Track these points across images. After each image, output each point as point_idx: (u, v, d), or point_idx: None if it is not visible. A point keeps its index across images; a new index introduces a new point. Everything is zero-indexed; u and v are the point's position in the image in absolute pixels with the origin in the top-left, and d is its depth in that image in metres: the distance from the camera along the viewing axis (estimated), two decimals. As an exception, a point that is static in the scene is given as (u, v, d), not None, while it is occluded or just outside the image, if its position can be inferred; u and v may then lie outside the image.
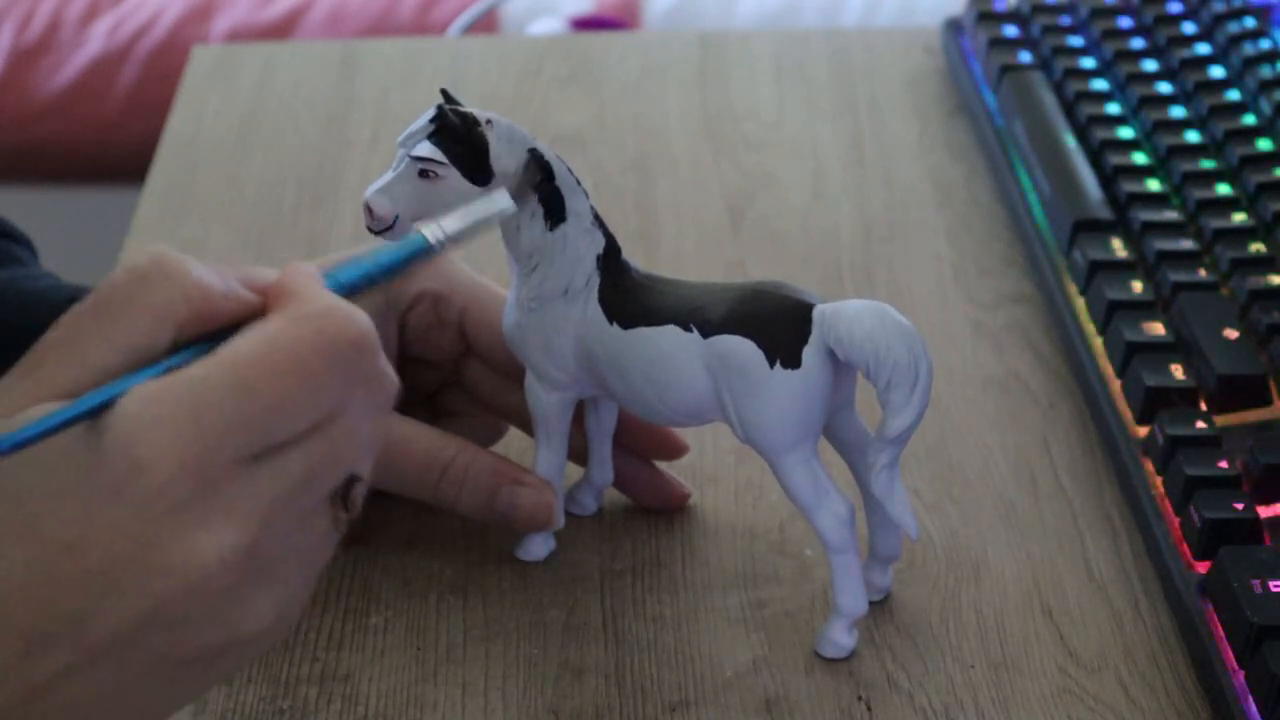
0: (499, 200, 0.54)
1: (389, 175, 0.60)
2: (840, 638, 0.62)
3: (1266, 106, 0.86)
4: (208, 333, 0.47)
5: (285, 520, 0.46)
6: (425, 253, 0.52)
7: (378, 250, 0.52)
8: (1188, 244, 0.78)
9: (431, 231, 0.52)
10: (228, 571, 0.45)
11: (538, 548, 0.67)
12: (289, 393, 0.45)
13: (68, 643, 0.44)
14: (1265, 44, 0.91)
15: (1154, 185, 0.82)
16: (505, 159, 0.60)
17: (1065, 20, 0.97)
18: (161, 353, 0.46)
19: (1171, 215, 0.80)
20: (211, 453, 0.44)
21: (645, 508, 0.69)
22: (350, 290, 0.50)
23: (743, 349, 0.59)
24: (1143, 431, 0.70)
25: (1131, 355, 0.72)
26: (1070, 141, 0.86)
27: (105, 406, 0.44)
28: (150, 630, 0.45)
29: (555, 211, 0.60)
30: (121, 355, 0.46)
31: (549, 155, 0.60)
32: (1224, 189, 0.81)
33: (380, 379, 0.48)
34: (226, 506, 0.45)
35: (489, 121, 0.59)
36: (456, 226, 0.53)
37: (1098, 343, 0.75)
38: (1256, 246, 0.77)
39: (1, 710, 0.45)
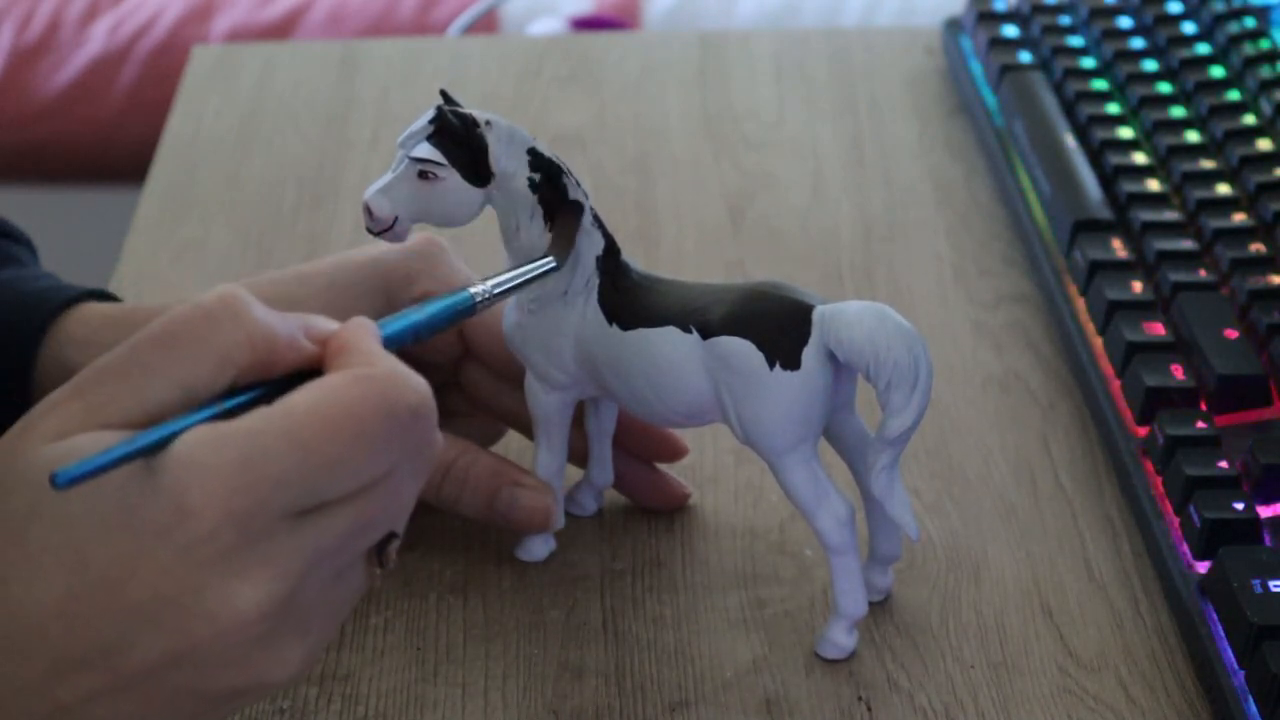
0: (545, 264, 0.59)
1: (388, 176, 0.60)
2: (840, 639, 0.62)
3: (1266, 106, 0.86)
4: (264, 379, 0.47)
5: (322, 575, 0.47)
6: (469, 310, 0.55)
7: (426, 305, 0.53)
8: (1188, 244, 0.78)
9: (477, 290, 0.55)
10: (263, 621, 0.45)
11: (538, 548, 0.67)
12: (344, 455, 0.45)
13: (98, 669, 0.45)
14: (1265, 44, 0.91)
15: (1154, 185, 0.82)
16: (505, 160, 0.60)
17: (1065, 20, 0.97)
18: (218, 395, 0.47)
19: (1171, 215, 0.80)
20: (260, 506, 0.45)
21: (645, 508, 0.69)
22: (398, 344, 0.51)
23: (742, 350, 0.59)
24: (1143, 431, 0.70)
25: (1131, 355, 0.72)
26: (1070, 141, 0.86)
27: (160, 445, 0.45)
28: (180, 668, 0.45)
29: (555, 212, 0.60)
30: (179, 393, 0.46)
31: (549, 155, 0.60)
32: (1224, 189, 0.81)
33: (432, 446, 0.48)
34: (268, 559, 0.45)
35: (488, 122, 0.59)
36: (500, 283, 0.56)
37: (1098, 343, 0.75)
38: (1256, 246, 0.77)
39: None
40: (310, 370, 0.48)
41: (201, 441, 0.45)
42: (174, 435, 0.45)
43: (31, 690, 0.45)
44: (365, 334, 0.48)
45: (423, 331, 0.53)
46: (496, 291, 0.56)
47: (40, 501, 0.44)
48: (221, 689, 0.46)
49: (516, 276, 0.58)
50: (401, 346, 0.51)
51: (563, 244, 0.60)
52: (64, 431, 0.45)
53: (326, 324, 0.49)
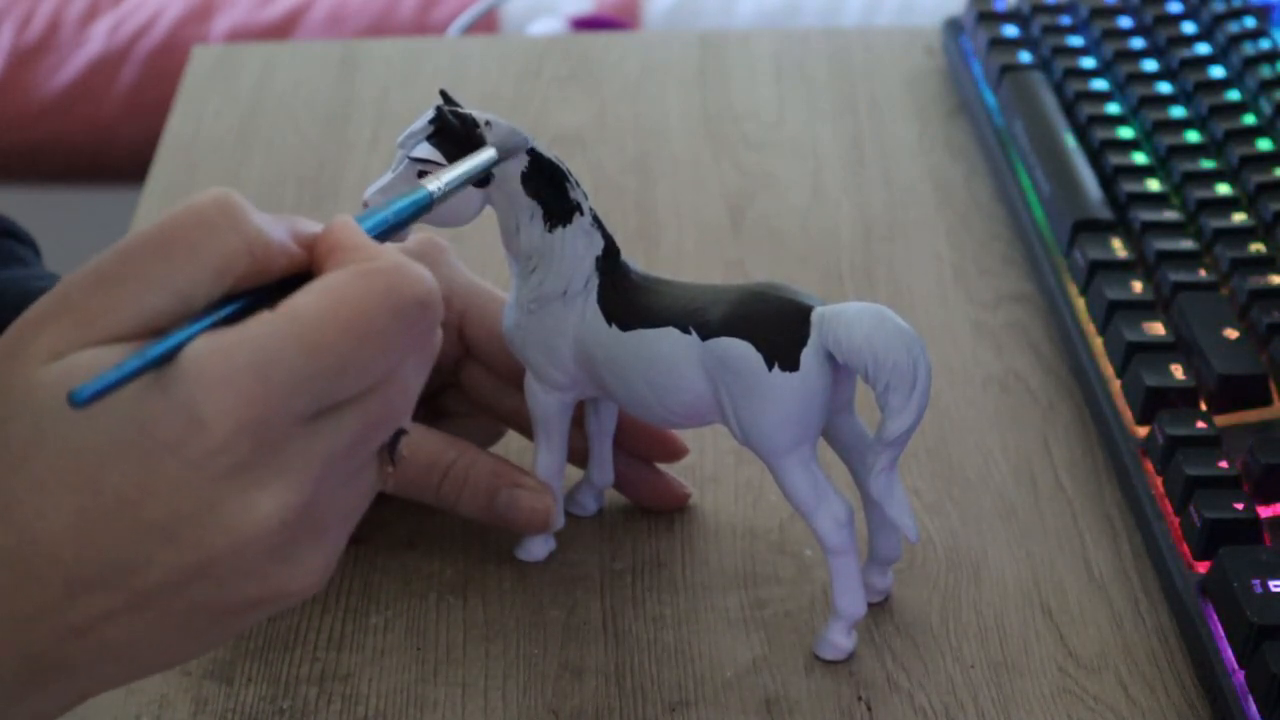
0: (485, 153, 0.58)
1: (388, 176, 0.60)
2: (839, 640, 0.62)
3: (1266, 106, 0.86)
4: (260, 285, 0.46)
5: (336, 478, 0.45)
6: (427, 206, 0.54)
7: (391, 202, 0.52)
8: (1188, 244, 0.78)
9: (432, 184, 0.54)
10: (283, 530, 0.44)
11: (538, 548, 0.67)
12: (356, 353, 0.44)
13: (114, 589, 0.44)
14: (1265, 44, 0.91)
15: (1154, 185, 0.82)
16: (505, 162, 0.60)
17: (1065, 20, 0.97)
18: (215, 302, 0.45)
19: (1171, 215, 0.80)
20: (274, 413, 0.43)
21: (645, 508, 0.69)
22: (377, 238, 0.50)
23: (741, 351, 0.59)
24: (1143, 431, 0.70)
25: (1131, 355, 0.72)
26: (1070, 141, 0.86)
27: (169, 356, 0.43)
28: (198, 582, 0.44)
29: (554, 213, 0.60)
30: (176, 302, 0.44)
31: (549, 156, 0.60)
32: (1224, 189, 0.81)
33: (437, 336, 0.47)
34: (284, 467, 0.44)
35: (488, 123, 0.59)
36: (451, 176, 0.55)
37: (1098, 343, 0.75)
38: (1256, 246, 0.77)
39: (37, 647, 0.45)
40: (300, 273, 0.46)
41: (211, 351, 0.43)
42: (181, 345, 0.43)
43: (45, 613, 0.44)
44: (355, 229, 0.47)
45: (390, 228, 0.52)
46: (448, 187, 0.55)
47: (44, 425, 0.43)
48: (240, 601, 0.45)
49: (463, 170, 0.56)
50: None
51: (507, 141, 0.59)
52: (58, 350, 0.43)
53: (311, 225, 0.48)
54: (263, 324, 0.44)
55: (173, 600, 0.45)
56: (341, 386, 0.44)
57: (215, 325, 0.44)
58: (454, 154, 0.59)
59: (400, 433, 0.48)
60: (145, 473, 0.43)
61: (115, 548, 0.44)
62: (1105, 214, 0.81)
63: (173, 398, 0.43)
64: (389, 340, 0.45)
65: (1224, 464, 0.66)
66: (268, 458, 0.44)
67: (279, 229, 0.46)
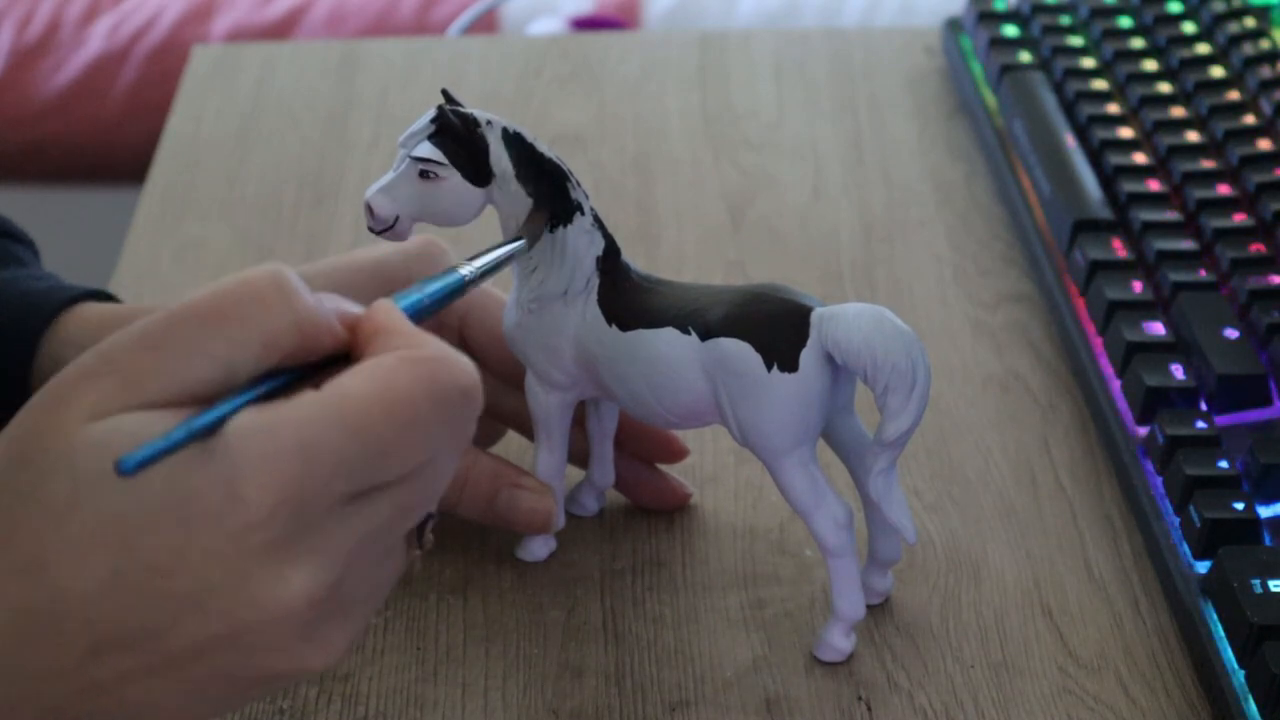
0: (516, 246, 0.59)
1: (390, 175, 0.60)
2: (838, 642, 0.62)
3: (1266, 106, 0.86)
4: (305, 363, 0.46)
5: (367, 559, 0.46)
6: (461, 291, 0.54)
7: (424, 285, 0.52)
8: (1188, 244, 0.78)
9: (466, 269, 0.55)
10: (311, 608, 0.45)
11: (538, 548, 0.67)
12: (399, 439, 0.45)
13: (138, 651, 0.44)
14: (1265, 44, 0.91)
15: (1154, 185, 0.82)
16: (505, 160, 0.60)
17: (1065, 20, 0.97)
18: (259, 376, 0.45)
19: (1171, 215, 0.80)
20: (314, 493, 0.44)
21: (646, 509, 0.69)
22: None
23: (740, 352, 0.59)
24: (1143, 431, 0.70)
25: (1131, 355, 0.72)
26: (1070, 141, 0.86)
27: (214, 428, 0.44)
28: (222, 652, 0.45)
29: (555, 213, 0.60)
30: (221, 372, 0.44)
31: (550, 155, 0.60)
32: (1224, 189, 0.81)
33: (473, 425, 0.47)
34: (318, 547, 0.44)
35: (489, 122, 0.60)
36: (484, 264, 0.56)
37: (1098, 343, 0.75)
38: (1256, 246, 0.77)
39: (56, 701, 0.45)
40: (340, 354, 0.47)
41: (256, 427, 0.43)
42: (226, 418, 0.44)
43: (68, 671, 0.44)
44: (399, 315, 0.47)
45: (424, 312, 0.52)
46: (480, 272, 0.56)
47: (83, 486, 0.43)
48: (260, 674, 0.46)
49: (494, 257, 0.57)
50: None
51: (534, 226, 0.60)
52: (101, 410, 0.43)
53: (353, 306, 0.48)
54: (309, 404, 0.44)
55: (195, 667, 0.45)
56: (382, 471, 0.45)
57: (258, 400, 0.45)
58: (455, 153, 0.59)
59: (430, 516, 0.48)
60: (181, 542, 0.43)
61: (144, 611, 0.44)
62: (1105, 214, 0.81)
63: (215, 471, 0.43)
64: (431, 428, 0.45)
65: (1224, 464, 0.66)
66: (303, 536, 0.44)
67: (326, 308, 0.46)
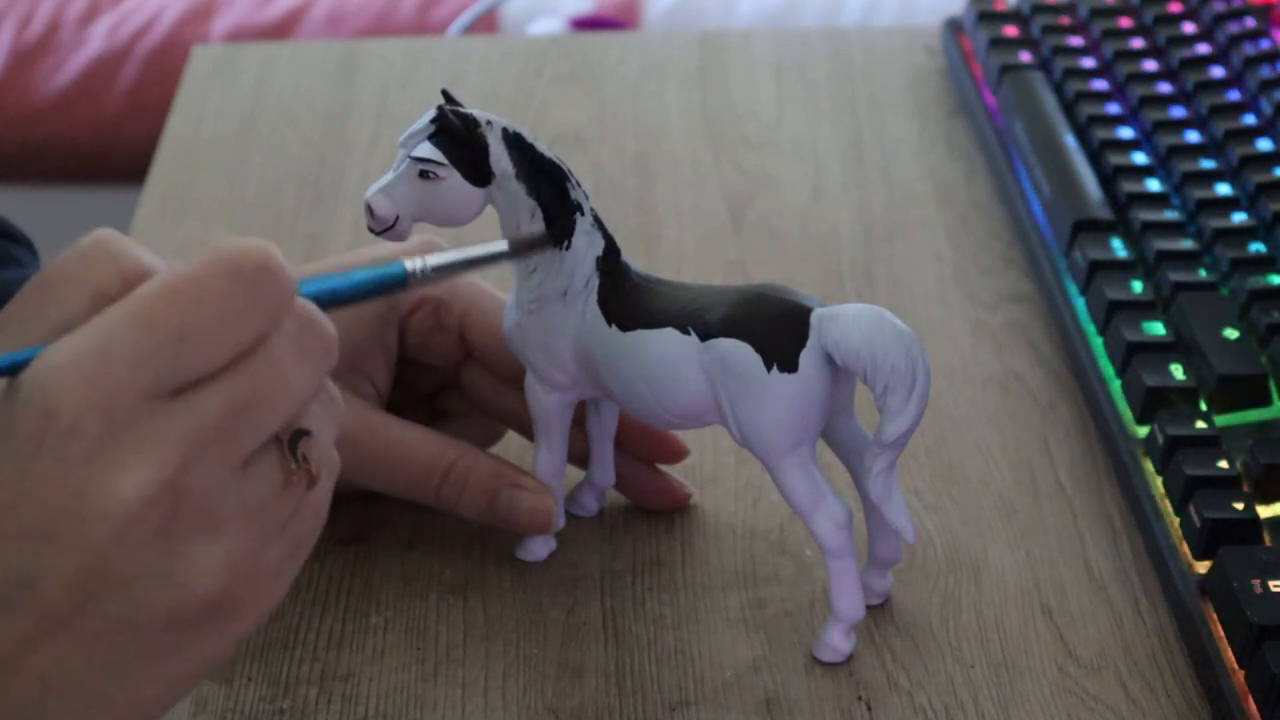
0: (494, 246, 0.56)
1: (390, 176, 0.60)
2: (837, 642, 0.62)
3: (1266, 106, 0.86)
4: None
5: (212, 463, 0.45)
6: (400, 282, 0.52)
7: (354, 270, 0.51)
8: (1188, 244, 0.78)
9: (412, 263, 0.52)
10: (152, 510, 0.44)
11: (538, 548, 0.67)
12: (192, 319, 0.44)
13: (21, 607, 0.44)
14: (1265, 44, 0.91)
15: (1154, 185, 0.82)
16: (505, 160, 0.60)
17: (1065, 20, 0.97)
18: None
19: (1171, 215, 0.80)
20: (119, 389, 0.44)
21: (646, 509, 0.69)
22: (315, 302, 0.49)
23: (740, 352, 0.59)
24: (1143, 431, 0.70)
25: (1131, 355, 0.72)
26: (1070, 141, 0.86)
27: (24, 365, 0.44)
28: (98, 591, 0.44)
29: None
30: (53, 332, 0.45)
31: (549, 155, 0.60)
32: (1224, 189, 0.81)
33: (311, 323, 0.47)
34: (140, 444, 0.44)
35: (489, 122, 0.60)
36: (441, 262, 0.53)
37: (1098, 343, 0.75)
38: (1256, 247, 0.77)
39: None
40: None
41: (56, 346, 0.44)
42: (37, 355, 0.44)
43: None
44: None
45: (345, 295, 0.51)
46: (433, 267, 0.52)
47: None
48: (158, 615, 0.45)
49: (462, 256, 0.54)
50: (321, 305, 0.48)
51: (526, 241, 0.59)
52: None
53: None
54: (105, 313, 0.45)
55: (85, 620, 0.44)
56: (188, 358, 0.44)
57: None
58: (455, 153, 0.59)
59: (301, 433, 0.47)
60: (13, 475, 0.44)
61: (6, 559, 0.44)
62: (1105, 214, 0.81)
63: (27, 394, 0.44)
64: (227, 306, 0.45)
65: (1224, 464, 0.66)
66: (120, 436, 0.44)
67: (158, 261, 0.47)
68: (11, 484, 0.44)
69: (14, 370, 0.44)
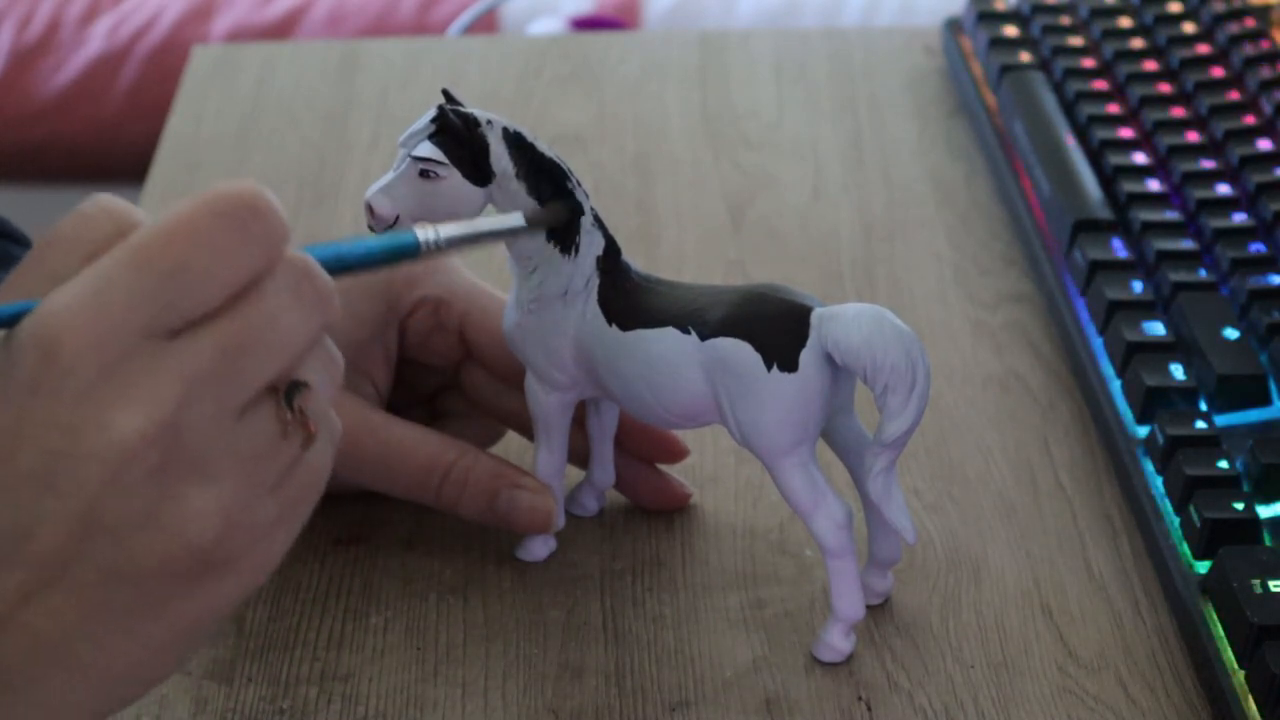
0: (509, 219, 0.56)
1: (390, 175, 0.60)
2: (837, 642, 0.62)
3: (1266, 106, 0.86)
4: None
5: (208, 406, 0.45)
6: (411, 252, 0.51)
7: (365, 238, 0.51)
8: (1188, 244, 0.78)
9: (424, 232, 0.52)
10: (149, 448, 0.44)
11: (538, 548, 0.67)
12: (185, 258, 0.44)
13: (18, 559, 0.44)
14: (1265, 44, 0.91)
15: (1154, 185, 0.82)
16: (506, 160, 0.60)
17: (1065, 20, 0.97)
18: None
19: (1171, 215, 0.80)
20: (116, 328, 0.44)
21: (646, 509, 0.69)
22: (323, 267, 0.48)
23: (740, 352, 0.59)
24: (1143, 431, 0.70)
25: (1131, 355, 0.72)
26: (1070, 141, 0.86)
27: (24, 316, 0.45)
28: (91, 537, 0.44)
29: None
30: (50, 285, 0.45)
31: (550, 155, 0.60)
32: (1224, 189, 0.81)
33: (307, 272, 0.47)
34: (137, 383, 0.44)
35: (489, 122, 0.60)
36: (454, 233, 0.52)
37: (1098, 343, 0.75)
38: (1257, 247, 0.77)
39: None
40: None
41: (54, 294, 0.44)
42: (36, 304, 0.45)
43: None
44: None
45: (354, 262, 0.50)
46: (446, 236, 0.52)
47: None
48: (145, 562, 0.45)
49: (472, 225, 0.54)
50: (329, 271, 0.48)
51: (543, 215, 0.59)
52: None
53: None
54: (100, 259, 0.45)
55: (80, 570, 0.44)
56: (182, 297, 0.45)
57: None
58: (456, 153, 0.59)
59: (298, 384, 0.47)
60: (12, 420, 0.44)
61: (3, 510, 0.44)
62: (1105, 214, 0.81)
63: (26, 339, 0.44)
64: (220, 244, 0.45)
65: (1224, 464, 0.66)
66: (117, 374, 0.44)
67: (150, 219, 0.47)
68: (11, 430, 0.44)
69: (13, 320, 0.45)
